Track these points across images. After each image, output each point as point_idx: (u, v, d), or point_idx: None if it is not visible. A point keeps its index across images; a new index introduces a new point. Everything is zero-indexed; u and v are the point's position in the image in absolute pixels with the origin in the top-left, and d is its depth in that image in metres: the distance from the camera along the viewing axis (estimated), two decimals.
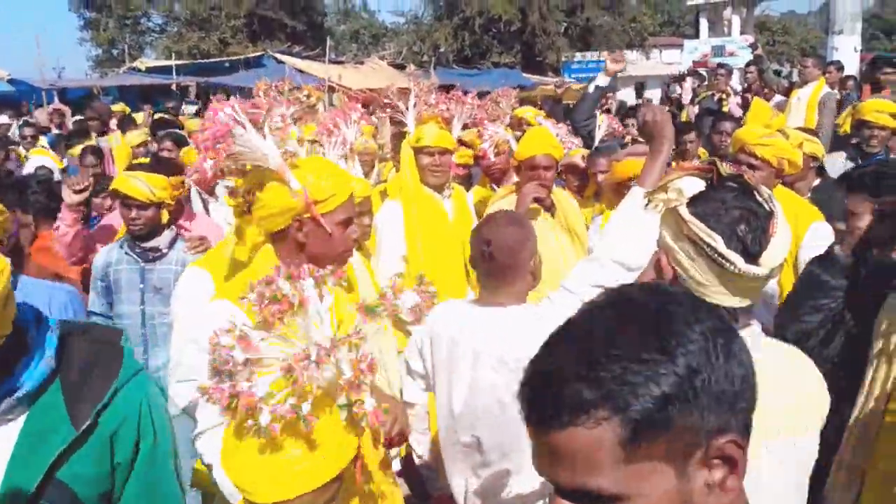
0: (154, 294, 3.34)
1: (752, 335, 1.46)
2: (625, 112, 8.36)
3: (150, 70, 19.52)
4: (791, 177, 3.69)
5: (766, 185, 3.10)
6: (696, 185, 1.44)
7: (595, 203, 4.22)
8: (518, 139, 4.02)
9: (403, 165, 3.85)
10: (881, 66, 7.67)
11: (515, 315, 2.21)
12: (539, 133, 3.77)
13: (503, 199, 3.73)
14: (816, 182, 4.07)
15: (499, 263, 2.21)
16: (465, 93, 4.25)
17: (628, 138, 5.77)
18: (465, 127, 4.28)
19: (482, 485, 2.32)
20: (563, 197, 3.81)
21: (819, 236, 3.14)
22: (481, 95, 4.73)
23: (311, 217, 1.99)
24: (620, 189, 3.20)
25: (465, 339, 2.25)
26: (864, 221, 2.48)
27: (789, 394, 1.45)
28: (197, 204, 4.75)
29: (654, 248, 1.57)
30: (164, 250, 3.39)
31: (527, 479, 2.22)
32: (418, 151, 3.82)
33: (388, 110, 4.11)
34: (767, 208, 1.42)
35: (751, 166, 3.27)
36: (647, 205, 1.49)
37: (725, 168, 1.43)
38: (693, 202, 1.42)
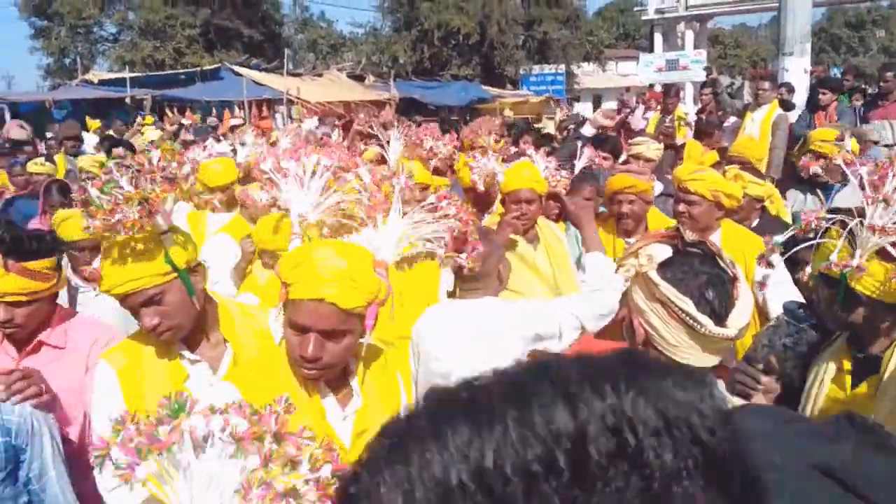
0: None
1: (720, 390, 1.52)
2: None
3: (102, 83, 19.15)
4: (735, 216, 3.74)
5: (706, 218, 3.33)
6: (664, 252, 1.49)
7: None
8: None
9: None
10: (821, 90, 7.78)
11: (488, 301, 2.67)
12: (524, 167, 3.81)
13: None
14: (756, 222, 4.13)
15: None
16: (446, 131, 4.33)
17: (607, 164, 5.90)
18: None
19: None
20: (548, 229, 3.86)
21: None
22: (444, 120, 4.81)
23: None
24: (614, 198, 3.76)
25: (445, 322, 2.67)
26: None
27: None
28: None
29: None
30: None
31: None
32: None
33: (371, 140, 4.14)
34: (730, 273, 1.48)
35: (688, 202, 3.33)
36: (618, 269, 1.54)
37: (689, 235, 1.50)
38: (662, 267, 1.48)
